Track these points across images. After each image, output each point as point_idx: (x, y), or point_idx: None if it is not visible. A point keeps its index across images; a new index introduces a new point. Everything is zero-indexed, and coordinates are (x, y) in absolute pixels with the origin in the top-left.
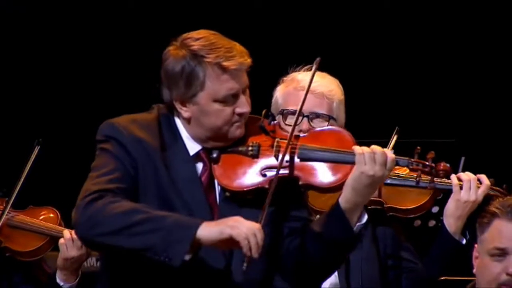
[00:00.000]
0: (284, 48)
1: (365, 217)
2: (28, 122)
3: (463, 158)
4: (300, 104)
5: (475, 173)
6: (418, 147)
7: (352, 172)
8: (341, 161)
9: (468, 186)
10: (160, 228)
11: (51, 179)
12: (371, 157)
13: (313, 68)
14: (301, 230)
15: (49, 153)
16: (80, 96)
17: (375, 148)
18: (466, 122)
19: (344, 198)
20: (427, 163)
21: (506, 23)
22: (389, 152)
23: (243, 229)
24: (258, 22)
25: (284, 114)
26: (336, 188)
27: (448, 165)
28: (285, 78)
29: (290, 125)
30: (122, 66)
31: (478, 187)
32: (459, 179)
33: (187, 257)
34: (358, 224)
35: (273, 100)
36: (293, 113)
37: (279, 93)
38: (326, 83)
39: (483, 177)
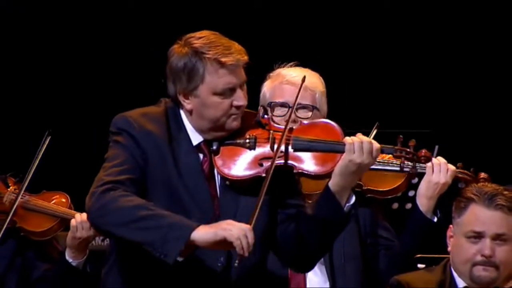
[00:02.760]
0: (282, 47)
1: (353, 198)
2: (40, 116)
3: (437, 147)
4: (286, 97)
5: (448, 160)
6: (401, 136)
7: (341, 159)
8: (331, 150)
9: (438, 169)
10: (160, 226)
11: (63, 167)
12: (359, 146)
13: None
14: (296, 215)
15: (62, 142)
16: (84, 91)
17: (363, 138)
18: (441, 114)
19: (333, 182)
20: (409, 150)
21: (476, 19)
22: (375, 142)
23: (236, 230)
24: (258, 22)
25: (272, 106)
26: (327, 175)
27: (428, 152)
28: (271, 74)
29: (277, 116)
30: (125, 62)
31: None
32: (431, 163)
33: (180, 258)
34: (347, 204)
35: (261, 95)
36: (280, 104)
37: (266, 88)
38: (308, 76)
39: (449, 165)
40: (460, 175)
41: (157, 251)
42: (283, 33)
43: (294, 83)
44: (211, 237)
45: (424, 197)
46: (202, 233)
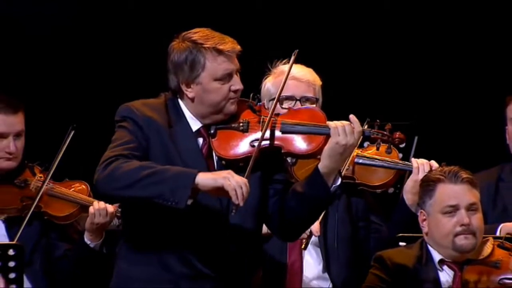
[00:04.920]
0: (281, 45)
1: (339, 181)
2: (65, 111)
3: (416, 137)
4: (292, 91)
5: (426, 150)
6: (378, 120)
7: (328, 143)
8: (316, 133)
9: (423, 169)
10: (165, 178)
11: (84, 158)
12: (343, 129)
13: (292, 59)
14: (284, 190)
15: (82, 136)
16: (104, 89)
17: (344, 122)
18: (420, 106)
19: (322, 164)
20: (385, 132)
21: (458, 17)
22: (357, 125)
23: (233, 181)
24: (258, 22)
25: (280, 100)
26: (311, 155)
27: (402, 134)
28: (274, 70)
29: (286, 109)
30: (138, 59)
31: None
32: (417, 164)
33: (189, 202)
34: (333, 185)
35: (264, 89)
36: (287, 98)
37: (270, 83)
38: (309, 72)
39: (433, 162)
40: None
41: (168, 201)
42: (278, 31)
43: (298, 78)
44: (211, 183)
45: (410, 193)
46: (204, 178)
